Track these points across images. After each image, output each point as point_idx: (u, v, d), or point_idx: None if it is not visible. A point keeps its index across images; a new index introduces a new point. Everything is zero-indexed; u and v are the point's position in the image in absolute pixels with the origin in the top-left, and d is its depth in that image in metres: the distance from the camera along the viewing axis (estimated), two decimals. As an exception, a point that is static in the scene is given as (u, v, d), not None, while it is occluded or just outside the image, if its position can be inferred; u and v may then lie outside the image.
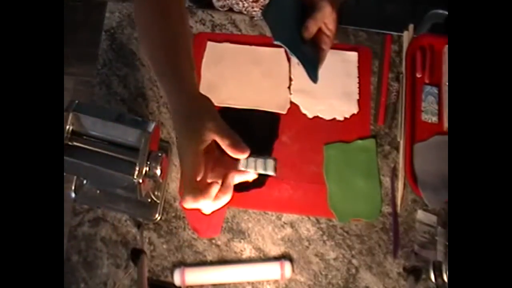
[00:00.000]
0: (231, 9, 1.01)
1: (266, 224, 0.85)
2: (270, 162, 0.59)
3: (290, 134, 0.89)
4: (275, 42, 0.66)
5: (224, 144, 0.59)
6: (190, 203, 0.58)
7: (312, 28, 0.67)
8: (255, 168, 0.60)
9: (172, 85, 0.63)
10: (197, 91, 0.64)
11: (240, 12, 0.99)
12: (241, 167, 0.60)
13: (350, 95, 0.90)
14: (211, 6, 1.02)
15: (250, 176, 0.61)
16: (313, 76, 0.68)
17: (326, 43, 0.70)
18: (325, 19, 0.67)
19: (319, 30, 0.69)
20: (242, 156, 0.59)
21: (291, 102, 0.90)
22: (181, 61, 0.64)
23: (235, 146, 0.59)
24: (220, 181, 0.60)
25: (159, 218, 0.85)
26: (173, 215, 0.86)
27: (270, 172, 0.59)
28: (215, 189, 0.58)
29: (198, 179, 0.58)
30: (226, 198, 0.60)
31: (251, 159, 0.59)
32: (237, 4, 0.97)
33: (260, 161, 0.59)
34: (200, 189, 0.58)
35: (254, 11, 0.97)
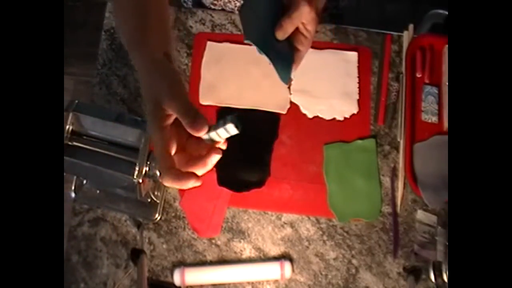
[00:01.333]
0: (223, 10, 1.00)
1: (266, 224, 0.85)
2: (230, 125, 0.55)
3: (290, 134, 0.89)
4: (245, 41, 0.62)
5: (183, 123, 0.54)
6: (168, 184, 0.54)
7: (287, 26, 0.63)
8: (220, 137, 0.56)
9: (138, 53, 0.59)
10: (161, 62, 0.58)
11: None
12: (206, 142, 0.56)
13: (350, 95, 0.90)
14: (201, 5, 1.01)
15: (221, 144, 0.57)
16: (284, 77, 0.65)
17: (303, 44, 0.66)
18: (303, 19, 0.63)
19: (297, 30, 0.65)
20: (200, 134, 0.54)
21: (291, 102, 0.90)
22: (149, 29, 0.60)
23: (191, 125, 0.53)
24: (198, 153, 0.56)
25: (159, 218, 0.85)
26: (173, 215, 0.86)
27: (234, 132, 0.56)
28: (192, 180, 0.53)
29: (173, 153, 0.54)
30: (205, 170, 0.55)
31: (213, 132, 0.56)
32: (229, 2, 0.97)
33: (220, 129, 0.56)
34: (176, 172, 0.53)
35: None
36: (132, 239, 0.85)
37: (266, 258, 0.84)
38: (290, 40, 0.66)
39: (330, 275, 0.83)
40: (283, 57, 0.65)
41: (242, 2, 0.67)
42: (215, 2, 0.98)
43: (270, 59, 0.63)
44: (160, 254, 0.84)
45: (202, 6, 1.01)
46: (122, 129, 0.73)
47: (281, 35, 0.64)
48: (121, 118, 0.74)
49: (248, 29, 0.63)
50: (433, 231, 0.83)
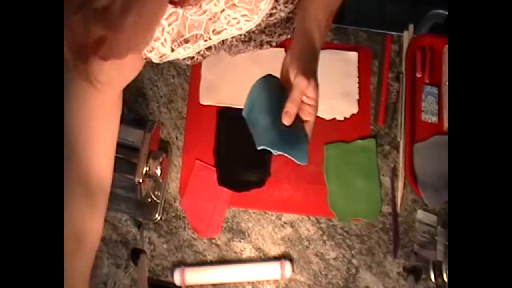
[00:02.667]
0: None
1: (266, 224, 0.85)
2: None
3: (290, 134, 0.89)
4: (259, 148, 0.61)
5: None
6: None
7: (292, 111, 0.61)
8: None
9: None
10: None
11: None
12: None
13: (350, 95, 0.90)
14: None
15: None
16: (302, 159, 0.63)
17: (310, 113, 0.65)
18: (303, 90, 0.62)
19: (301, 104, 0.64)
20: None
21: (291, 102, 0.90)
22: None
23: None
24: None
25: (159, 218, 0.85)
26: (173, 215, 0.86)
27: None
28: None
29: None
30: None
31: None
32: None
33: None
34: None
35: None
36: (132, 239, 0.85)
37: (266, 258, 0.84)
38: (298, 116, 0.65)
39: (330, 275, 0.83)
40: (296, 140, 0.65)
41: (245, 107, 0.66)
42: None
43: (286, 153, 0.62)
44: (160, 254, 0.84)
45: None
46: (122, 129, 0.73)
47: (288, 121, 0.62)
48: (121, 118, 0.74)
49: (258, 134, 0.63)
50: (433, 231, 0.83)
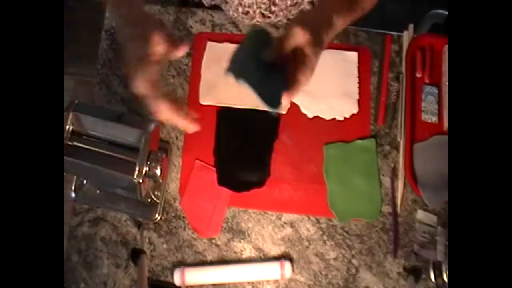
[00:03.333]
0: (217, 6, 0.99)
1: (266, 224, 0.85)
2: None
3: (290, 134, 0.89)
4: (226, 73, 0.61)
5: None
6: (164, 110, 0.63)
7: (276, 47, 0.60)
8: None
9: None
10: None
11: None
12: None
13: (350, 95, 0.90)
14: (200, 5, 1.01)
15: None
16: (272, 103, 0.61)
17: (302, 71, 0.61)
18: (296, 41, 0.60)
19: (295, 58, 0.62)
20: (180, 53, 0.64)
21: (291, 102, 0.90)
22: None
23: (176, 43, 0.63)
24: None
25: (159, 218, 0.85)
26: (173, 215, 0.86)
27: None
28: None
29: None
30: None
31: None
32: (227, 11, 0.97)
33: None
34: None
35: (244, 22, 0.96)
36: (132, 239, 0.85)
37: (266, 258, 0.84)
38: (288, 69, 0.63)
39: (330, 275, 0.83)
40: (273, 84, 0.62)
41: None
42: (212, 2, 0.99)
43: (253, 87, 0.61)
44: (160, 254, 0.84)
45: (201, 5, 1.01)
46: (122, 129, 0.73)
47: (268, 54, 0.61)
48: (121, 118, 0.74)
49: (232, 61, 0.62)
50: (433, 231, 0.83)
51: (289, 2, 0.92)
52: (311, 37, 0.61)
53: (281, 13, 0.94)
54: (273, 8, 0.92)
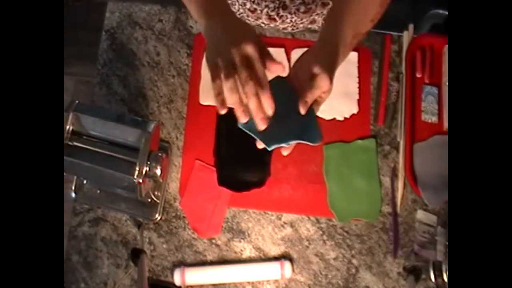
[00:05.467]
0: None
1: (266, 224, 0.85)
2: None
3: (290, 134, 0.89)
4: (271, 149, 0.63)
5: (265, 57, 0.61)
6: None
7: (310, 100, 0.63)
8: None
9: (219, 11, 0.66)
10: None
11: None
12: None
13: (350, 95, 0.90)
14: None
15: None
16: (316, 139, 0.65)
17: (322, 98, 0.66)
18: (323, 90, 0.64)
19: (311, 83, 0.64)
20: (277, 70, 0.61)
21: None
22: None
23: (271, 61, 0.61)
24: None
25: (159, 218, 0.85)
26: (173, 215, 0.86)
27: None
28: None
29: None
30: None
31: None
32: (233, 5, 0.97)
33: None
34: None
35: (248, 20, 0.96)
36: (132, 239, 0.85)
37: (266, 258, 0.84)
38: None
39: (330, 275, 0.83)
40: (306, 123, 0.65)
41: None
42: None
43: (297, 140, 0.64)
44: (161, 254, 0.84)
45: None
46: (122, 129, 0.73)
47: (305, 109, 0.63)
48: (121, 118, 0.74)
49: (264, 136, 0.63)
50: (433, 231, 0.83)
51: (302, 9, 0.90)
52: (331, 87, 0.65)
53: (288, 20, 0.93)
54: (281, 12, 0.90)
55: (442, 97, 0.91)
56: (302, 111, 0.63)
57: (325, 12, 0.93)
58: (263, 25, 0.95)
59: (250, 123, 0.62)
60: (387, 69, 0.93)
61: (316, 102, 0.66)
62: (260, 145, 0.64)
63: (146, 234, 0.85)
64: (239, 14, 0.95)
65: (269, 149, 0.63)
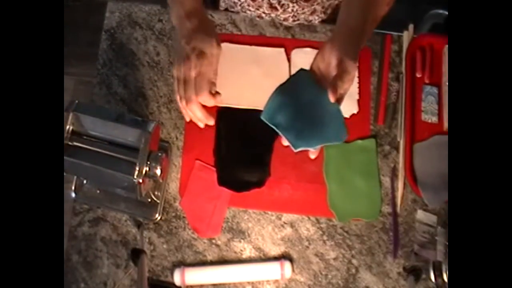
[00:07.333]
0: (227, 9, 1.00)
1: (266, 224, 0.85)
2: None
3: (290, 134, 0.89)
4: (297, 150, 0.67)
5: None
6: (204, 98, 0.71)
7: (340, 90, 0.66)
8: None
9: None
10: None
11: (239, 12, 0.98)
12: None
13: (350, 95, 0.90)
14: (215, 7, 1.02)
15: None
16: (340, 137, 0.68)
17: (342, 86, 0.68)
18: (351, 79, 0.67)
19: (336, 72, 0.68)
20: None
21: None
22: None
23: None
24: None
25: (159, 218, 0.85)
26: (173, 215, 0.86)
27: None
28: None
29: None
30: None
31: None
32: (235, 3, 0.97)
33: None
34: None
35: (249, 10, 0.96)
36: (132, 239, 0.85)
37: (266, 258, 0.84)
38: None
39: (330, 275, 0.83)
40: (331, 123, 0.68)
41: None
42: (227, 5, 0.99)
43: (324, 143, 0.67)
44: (160, 254, 0.84)
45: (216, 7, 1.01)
46: (122, 129, 0.73)
47: (334, 97, 0.66)
48: (121, 118, 0.74)
49: (292, 138, 0.67)
50: (433, 231, 0.83)
51: None
52: (354, 76, 0.68)
53: (290, 9, 0.92)
54: (283, 0, 0.91)
55: (442, 97, 0.91)
56: (332, 99, 0.65)
57: (325, 0, 0.93)
58: (264, 15, 0.95)
59: (276, 117, 0.62)
60: (387, 69, 0.93)
61: (340, 95, 0.68)
62: (285, 142, 0.64)
63: (146, 234, 0.85)
64: (240, 4, 0.95)
65: (295, 150, 0.63)
